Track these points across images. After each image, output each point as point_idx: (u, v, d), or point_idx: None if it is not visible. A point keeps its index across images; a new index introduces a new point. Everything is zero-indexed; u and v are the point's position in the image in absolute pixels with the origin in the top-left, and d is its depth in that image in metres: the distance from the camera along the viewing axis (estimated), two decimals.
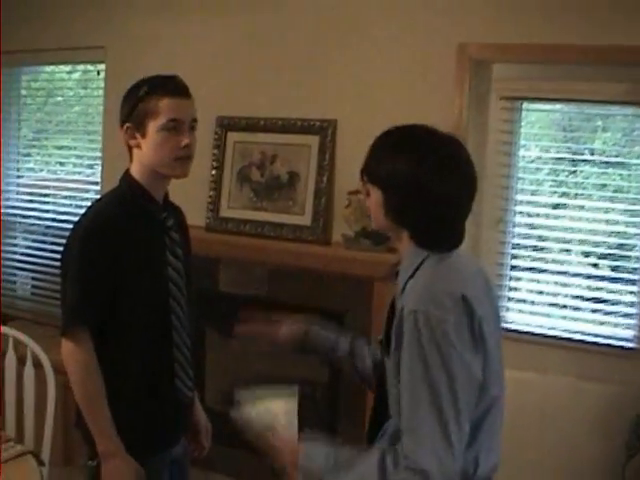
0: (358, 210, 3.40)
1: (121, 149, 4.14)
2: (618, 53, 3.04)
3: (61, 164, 4.75)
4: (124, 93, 2.18)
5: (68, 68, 4.61)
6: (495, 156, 3.38)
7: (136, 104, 2.10)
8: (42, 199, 4.73)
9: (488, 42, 3.24)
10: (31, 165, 4.83)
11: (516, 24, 3.19)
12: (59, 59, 4.45)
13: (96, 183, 4.46)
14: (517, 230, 3.42)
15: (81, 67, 4.56)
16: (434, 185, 1.72)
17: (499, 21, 3.23)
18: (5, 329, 2.97)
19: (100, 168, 4.33)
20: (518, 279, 3.43)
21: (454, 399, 1.60)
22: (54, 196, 4.71)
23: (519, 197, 3.39)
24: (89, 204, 4.32)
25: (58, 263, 4.49)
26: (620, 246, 3.31)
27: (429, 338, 1.61)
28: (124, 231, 2.08)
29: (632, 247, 3.28)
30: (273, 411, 2.01)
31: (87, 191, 4.59)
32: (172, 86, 2.10)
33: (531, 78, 3.30)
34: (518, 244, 3.42)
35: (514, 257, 3.43)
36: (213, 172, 3.79)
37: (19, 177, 4.81)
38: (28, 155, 4.82)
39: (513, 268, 3.42)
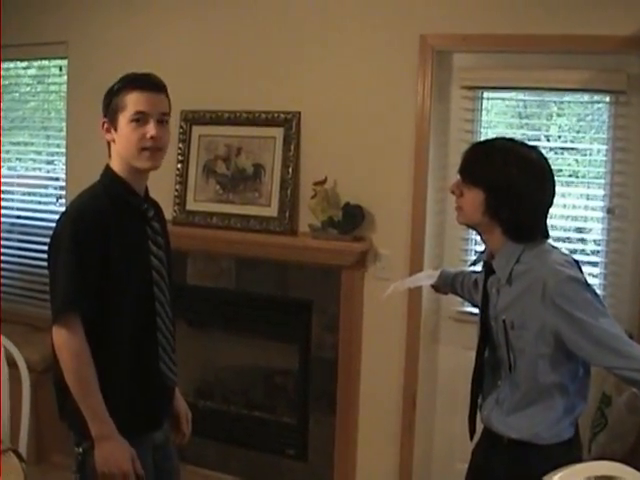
0: (324, 200, 3.44)
1: (84, 144, 4.15)
2: (572, 42, 3.11)
3: (20, 160, 4.71)
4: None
5: (24, 64, 4.56)
6: (457, 144, 3.43)
7: (110, 100, 2.22)
8: (4, 196, 4.68)
9: (449, 33, 3.30)
10: None
11: (475, 15, 3.25)
12: (20, 55, 4.40)
13: (56, 179, 4.46)
14: None
15: (37, 63, 4.52)
16: (532, 190, 2.07)
17: (459, 12, 3.28)
18: None
19: (64, 164, 4.31)
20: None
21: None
22: (16, 193, 4.66)
23: None
24: (52, 200, 4.39)
25: (25, 261, 4.50)
26: (578, 230, 3.39)
27: (590, 290, 2.04)
28: (109, 222, 2.15)
29: (589, 230, 3.36)
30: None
31: (47, 187, 4.57)
32: (141, 81, 2.20)
33: (490, 67, 3.37)
34: None
35: (478, 243, 3.49)
36: (179, 166, 3.81)
37: None
38: None
39: (476, 253, 3.48)
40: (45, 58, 4.42)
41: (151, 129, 2.17)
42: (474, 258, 2.43)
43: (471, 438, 2.35)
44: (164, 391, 2.35)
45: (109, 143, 2.25)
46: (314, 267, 3.52)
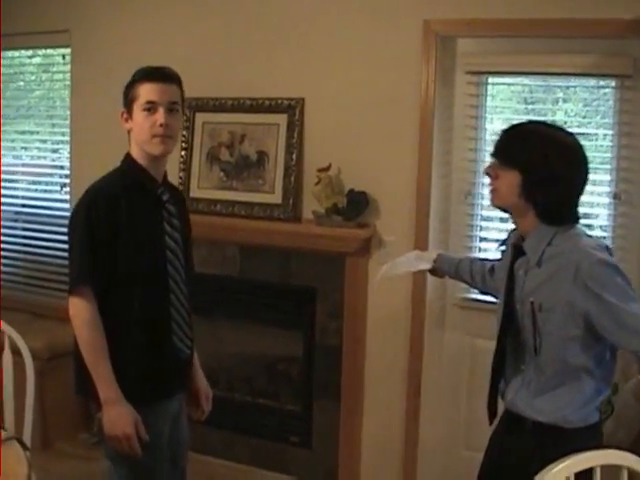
0: (328, 187, 3.43)
1: (88, 132, 4.15)
2: (577, 26, 3.09)
3: (25, 149, 4.71)
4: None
5: (29, 52, 4.55)
6: (462, 130, 3.43)
7: (127, 92, 2.38)
8: (9, 185, 4.68)
9: (453, 18, 3.28)
10: None
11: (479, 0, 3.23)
12: (23, 44, 4.40)
13: (61, 167, 4.45)
14: (486, 202, 3.44)
15: (41, 52, 4.51)
16: (568, 173, 2.08)
17: None
18: None
19: (68, 152, 4.30)
20: (487, 251, 3.47)
21: None
22: (21, 181, 4.66)
23: None
24: (57, 188, 4.39)
25: (29, 249, 4.53)
26: (584, 215, 3.35)
27: (622, 275, 2.04)
28: (124, 203, 2.30)
29: (596, 216, 3.34)
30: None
31: (52, 175, 4.57)
32: (152, 73, 2.36)
33: (495, 52, 3.34)
34: (488, 216, 3.47)
35: (483, 229, 3.48)
36: (182, 153, 3.81)
37: None
38: None
39: (482, 240, 3.47)
40: (48, 47, 4.42)
41: (160, 117, 2.31)
42: (502, 239, 2.43)
43: (491, 423, 2.34)
44: (177, 363, 2.47)
45: (129, 132, 2.40)
46: (318, 254, 3.51)
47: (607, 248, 2.12)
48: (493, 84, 3.44)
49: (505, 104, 3.49)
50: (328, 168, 3.45)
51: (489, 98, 3.44)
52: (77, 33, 4.11)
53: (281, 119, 3.61)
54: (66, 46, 4.21)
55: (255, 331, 3.89)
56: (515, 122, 2.29)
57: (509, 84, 3.49)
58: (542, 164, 2.07)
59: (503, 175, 2.13)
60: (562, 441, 2.10)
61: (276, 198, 3.61)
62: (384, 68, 3.42)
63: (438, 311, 3.54)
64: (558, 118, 3.37)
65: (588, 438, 2.12)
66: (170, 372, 2.45)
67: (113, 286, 2.29)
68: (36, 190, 4.63)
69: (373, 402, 3.61)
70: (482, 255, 3.40)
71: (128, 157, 2.41)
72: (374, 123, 3.46)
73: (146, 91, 2.32)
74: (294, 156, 3.57)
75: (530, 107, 3.44)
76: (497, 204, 2.22)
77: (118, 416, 2.23)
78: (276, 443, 3.78)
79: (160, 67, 2.39)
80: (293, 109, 3.58)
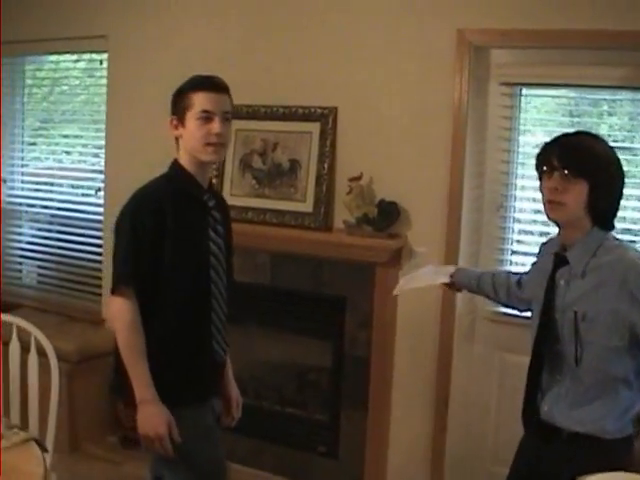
0: (359, 197, 3.42)
1: (123, 138, 4.19)
2: (620, 37, 3.02)
3: (67, 153, 4.77)
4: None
5: (74, 57, 4.62)
6: (495, 142, 3.38)
7: (178, 99, 2.43)
8: (47, 188, 4.75)
9: (487, 27, 3.24)
10: (36, 154, 4.85)
11: (514, 9, 3.19)
12: (62, 48, 4.46)
13: (101, 172, 4.46)
14: (519, 215, 3.41)
15: (86, 56, 4.56)
16: (620, 179, 2.15)
17: (497, 6, 3.23)
18: (9, 317, 2.99)
19: (104, 156, 4.34)
20: (519, 264, 3.42)
21: None
22: (59, 185, 4.73)
23: (520, 182, 3.38)
24: (92, 192, 4.44)
25: (63, 252, 4.59)
26: (626, 231, 3.27)
27: None
28: (170, 209, 2.35)
29: (639, 232, 3.26)
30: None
31: (93, 179, 4.59)
32: (206, 82, 2.41)
33: (530, 64, 3.29)
34: (521, 229, 3.42)
35: (517, 242, 3.43)
36: None
37: (24, 166, 4.83)
38: (33, 144, 4.84)
39: (514, 253, 3.42)
40: (86, 51, 4.47)
41: (216, 127, 2.36)
42: (539, 250, 2.44)
43: (527, 432, 2.33)
44: (213, 366, 2.53)
45: (177, 138, 2.44)
46: (348, 263, 3.50)
47: None
48: (531, 95, 3.38)
49: (550, 116, 3.41)
50: (360, 177, 3.44)
51: (534, 110, 3.39)
52: (114, 39, 4.16)
53: (314, 127, 3.61)
54: (104, 51, 4.27)
55: (285, 339, 3.88)
56: (556, 134, 2.26)
57: (553, 96, 3.41)
58: (605, 172, 2.10)
59: (572, 188, 2.10)
60: (598, 451, 2.10)
61: (307, 207, 3.61)
62: (417, 78, 3.40)
63: (468, 324, 3.50)
64: (603, 132, 3.28)
65: (623, 449, 2.13)
66: (207, 374, 2.50)
67: (156, 290, 2.34)
68: (75, 194, 4.68)
69: (401, 413, 3.58)
70: (514, 268, 3.35)
71: (176, 163, 2.46)
72: (406, 133, 3.44)
73: (200, 100, 2.35)
74: (326, 165, 3.57)
75: (575, 120, 3.35)
76: (562, 218, 2.18)
77: (152, 416, 2.27)
78: (303, 452, 3.77)
79: (211, 76, 2.43)
80: (326, 118, 3.58)
